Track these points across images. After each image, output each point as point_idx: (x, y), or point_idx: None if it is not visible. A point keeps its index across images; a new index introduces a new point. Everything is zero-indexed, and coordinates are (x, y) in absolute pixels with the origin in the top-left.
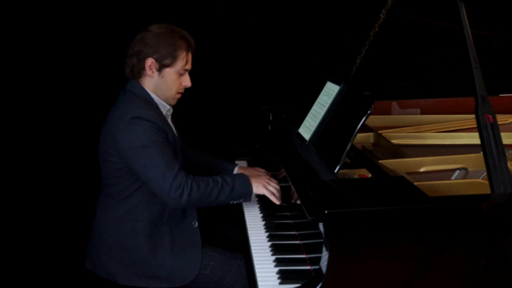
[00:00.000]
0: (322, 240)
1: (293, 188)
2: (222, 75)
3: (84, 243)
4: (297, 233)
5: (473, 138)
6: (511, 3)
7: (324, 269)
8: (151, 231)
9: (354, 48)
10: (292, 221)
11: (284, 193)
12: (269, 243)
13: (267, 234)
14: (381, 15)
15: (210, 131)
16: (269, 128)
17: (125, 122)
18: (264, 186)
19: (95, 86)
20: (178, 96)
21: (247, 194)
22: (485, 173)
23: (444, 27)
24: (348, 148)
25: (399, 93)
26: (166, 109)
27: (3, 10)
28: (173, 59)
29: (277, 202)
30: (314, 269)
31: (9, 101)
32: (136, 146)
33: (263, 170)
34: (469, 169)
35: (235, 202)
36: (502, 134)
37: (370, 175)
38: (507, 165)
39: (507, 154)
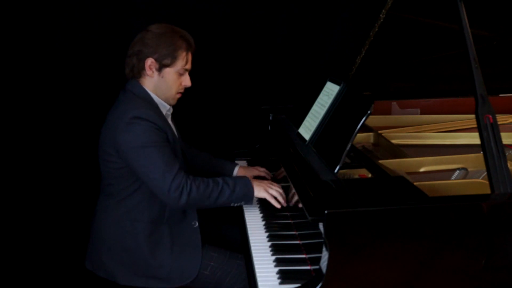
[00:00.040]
0: (322, 240)
1: (292, 191)
2: (222, 75)
3: (84, 243)
4: (297, 233)
5: (473, 138)
6: (511, 3)
7: (324, 269)
8: (151, 231)
9: (354, 48)
10: (292, 221)
11: (284, 193)
12: (269, 243)
13: (267, 234)
14: (381, 15)
15: (210, 131)
16: (269, 128)
17: (125, 122)
18: (265, 190)
19: (95, 86)
20: (178, 96)
21: (248, 197)
22: (485, 173)
23: (444, 27)
24: (348, 148)
25: (399, 93)
26: (166, 109)
27: (3, 10)
28: (173, 59)
29: (278, 206)
30: (314, 269)
31: (9, 101)
32: (135, 146)
33: (264, 169)
34: (469, 169)
35: (236, 204)
36: (502, 134)
37: (370, 175)
38: (507, 165)
39: (507, 154)
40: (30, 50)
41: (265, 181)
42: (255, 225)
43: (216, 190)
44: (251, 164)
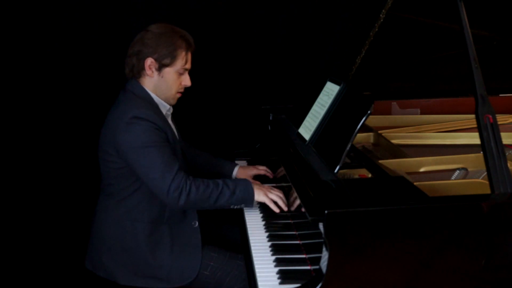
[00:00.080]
0: (322, 240)
1: (294, 195)
2: (222, 75)
3: (84, 243)
4: (297, 233)
5: (473, 138)
6: (511, 3)
7: (324, 269)
8: (151, 231)
9: (354, 48)
10: (292, 221)
11: (284, 193)
12: (269, 243)
13: (267, 234)
14: (381, 15)
15: (210, 131)
16: (269, 128)
17: (124, 122)
18: (265, 194)
19: (95, 86)
20: (178, 95)
21: (248, 200)
22: (485, 173)
23: (444, 27)
24: (348, 148)
25: (399, 93)
26: (166, 108)
27: (3, 10)
28: (173, 59)
29: (277, 211)
30: (314, 269)
31: (9, 101)
32: (135, 146)
33: (263, 167)
34: (469, 169)
35: (235, 207)
36: (502, 134)
37: (370, 175)
38: (507, 165)
39: (507, 154)
40: (30, 50)
41: (266, 185)
42: (255, 225)
43: (216, 192)
44: (251, 164)
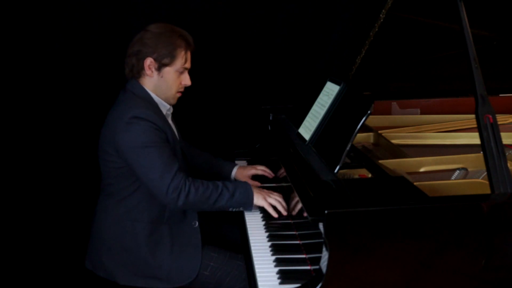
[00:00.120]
0: (322, 240)
1: (295, 200)
2: (222, 75)
3: (84, 243)
4: (297, 233)
5: (473, 138)
6: (511, 3)
7: (324, 269)
8: (151, 231)
9: (354, 48)
10: (292, 221)
11: (284, 193)
12: (269, 243)
13: (267, 234)
14: (381, 15)
15: (210, 131)
16: (269, 128)
17: (124, 121)
18: (264, 198)
19: (95, 86)
20: (178, 95)
21: (247, 203)
22: (485, 173)
23: (444, 27)
24: (348, 148)
25: (399, 93)
26: (166, 108)
27: (3, 10)
28: (172, 58)
29: (275, 215)
30: (314, 269)
31: (9, 101)
32: (135, 146)
33: (262, 167)
34: (469, 169)
35: (234, 209)
36: (502, 134)
37: (370, 175)
38: (507, 165)
39: (507, 154)
40: (30, 50)
41: (266, 190)
42: (255, 225)
43: (215, 194)
44: (251, 164)
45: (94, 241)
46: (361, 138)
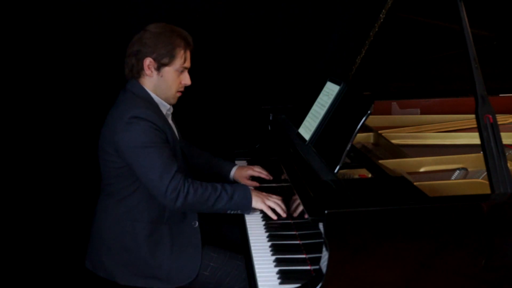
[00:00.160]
0: (322, 240)
1: (297, 202)
2: (222, 75)
3: (84, 243)
4: (297, 233)
5: (473, 138)
6: (511, 3)
7: (324, 269)
8: (151, 231)
9: (354, 48)
10: (292, 221)
11: (284, 193)
12: (269, 243)
13: (267, 234)
14: (381, 15)
15: (210, 131)
16: (269, 128)
17: (124, 121)
18: (262, 201)
19: (95, 86)
20: (178, 94)
21: (246, 206)
22: (485, 173)
23: (444, 27)
24: (348, 148)
25: (399, 93)
26: (166, 108)
27: (3, 10)
28: (171, 58)
29: (274, 217)
30: (314, 269)
31: (9, 101)
32: (134, 146)
33: (258, 168)
34: (469, 169)
35: (232, 212)
36: (502, 134)
37: (370, 175)
38: (507, 165)
39: (507, 154)
40: (30, 50)
41: (265, 193)
42: (255, 225)
43: (214, 195)
44: (251, 164)
45: (94, 241)
46: (361, 138)
